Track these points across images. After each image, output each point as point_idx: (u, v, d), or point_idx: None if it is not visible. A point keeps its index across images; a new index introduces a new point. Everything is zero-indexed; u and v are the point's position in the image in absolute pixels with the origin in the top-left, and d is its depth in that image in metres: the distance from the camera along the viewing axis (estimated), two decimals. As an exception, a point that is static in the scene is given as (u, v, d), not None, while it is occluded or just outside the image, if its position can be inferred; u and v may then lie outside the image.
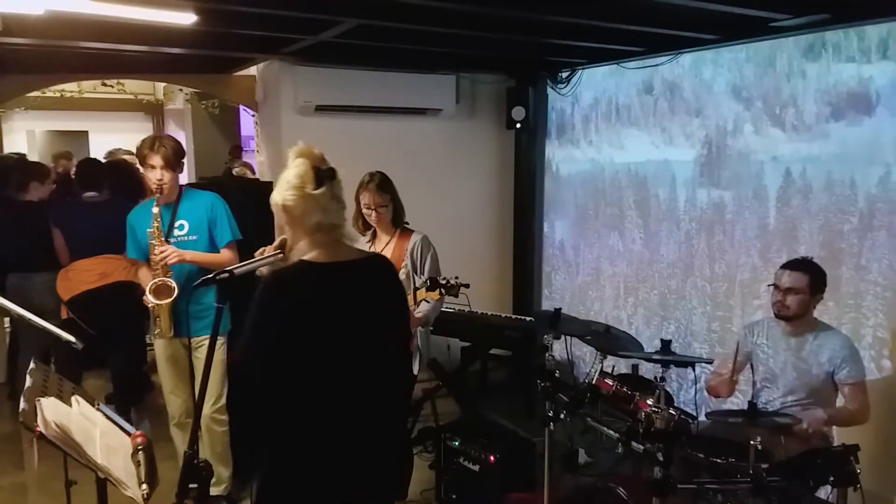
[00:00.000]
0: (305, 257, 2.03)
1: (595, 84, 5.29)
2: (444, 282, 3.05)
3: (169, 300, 3.35)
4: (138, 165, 3.76)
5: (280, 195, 1.99)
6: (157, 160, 3.31)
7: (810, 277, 3.12)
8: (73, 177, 5.49)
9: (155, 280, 3.36)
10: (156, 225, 3.33)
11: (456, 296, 3.08)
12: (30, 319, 2.74)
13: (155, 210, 3.34)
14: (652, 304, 4.99)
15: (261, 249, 2.39)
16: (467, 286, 3.07)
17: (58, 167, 6.38)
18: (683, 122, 4.64)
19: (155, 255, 3.34)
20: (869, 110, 3.61)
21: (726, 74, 4.34)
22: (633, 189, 5.06)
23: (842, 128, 3.74)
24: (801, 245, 3.95)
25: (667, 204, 4.80)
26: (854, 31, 3.64)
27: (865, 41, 3.61)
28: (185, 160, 3.54)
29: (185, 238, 3.45)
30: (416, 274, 3.40)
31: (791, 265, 3.20)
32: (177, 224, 3.46)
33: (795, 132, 3.96)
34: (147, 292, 3.36)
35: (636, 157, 5.00)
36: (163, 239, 3.35)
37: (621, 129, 5.09)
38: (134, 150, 6.46)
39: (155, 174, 3.34)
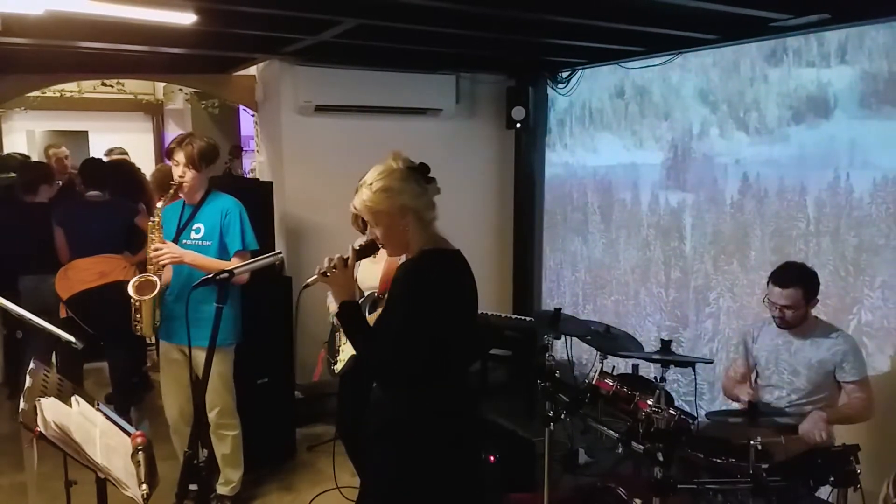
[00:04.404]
0: (435, 247, 2.19)
1: (573, 87, 5.31)
2: None
3: (150, 296, 3.25)
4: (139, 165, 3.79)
5: (392, 195, 2.14)
6: (180, 156, 3.29)
7: (803, 290, 3.07)
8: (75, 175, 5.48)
9: (138, 276, 3.29)
10: (157, 219, 3.27)
11: None
12: (30, 320, 2.74)
13: (159, 204, 3.32)
14: (607, 311, 5.02)
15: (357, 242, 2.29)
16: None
17: (52, 160, 6.28)
18: (653, 125, 4.66)
19: (150, 250, 3.26)
20: (826, 114, 3.65)
21: (693, 79, 4.35)
22: (601, 193, 5.10)
23: (801, 131, 3.77)
24: (752, 251, 3.98)
25: (630, 208, 4.85)
26: (814, 36, 3.67)
27: (825, 46, 3.65)
28: (213, 163, 3.44)
29: (200, 242, 3.37)
30: None
31: (781, 281, 3.09)
32: (194, 227, 3.39)
33: (758, 135, 3.99)
34: (129, 288, 3.27)
35: (608, 160, 5.04)
36: (161, 235, 3.28)
37: (595, 132, 5.12)
38: (127, 151, 6.52)
39: (177, 170, 3.31)
